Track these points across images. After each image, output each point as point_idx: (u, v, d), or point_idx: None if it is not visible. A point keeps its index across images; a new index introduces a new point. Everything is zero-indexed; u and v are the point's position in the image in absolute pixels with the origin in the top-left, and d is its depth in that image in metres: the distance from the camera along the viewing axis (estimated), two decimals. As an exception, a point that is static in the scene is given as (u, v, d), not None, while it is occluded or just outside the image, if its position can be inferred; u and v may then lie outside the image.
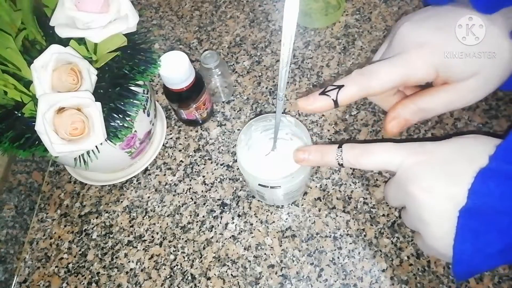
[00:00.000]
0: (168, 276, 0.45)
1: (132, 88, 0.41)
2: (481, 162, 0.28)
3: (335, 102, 0.34)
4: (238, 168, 0.50)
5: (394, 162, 0.32)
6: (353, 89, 0.34)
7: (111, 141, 0.39)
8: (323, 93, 0.35)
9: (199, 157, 0.52)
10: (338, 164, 0.35)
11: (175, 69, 0.45)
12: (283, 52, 0.28)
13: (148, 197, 0.50)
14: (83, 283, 0.46)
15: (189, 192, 0.50)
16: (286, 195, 0.43)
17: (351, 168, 0.34)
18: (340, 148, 0.35)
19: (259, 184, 0.40)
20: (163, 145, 0.53)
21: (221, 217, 0.47)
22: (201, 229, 0.47)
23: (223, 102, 0.56)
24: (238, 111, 0.54)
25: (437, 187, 0.29)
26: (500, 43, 0.32)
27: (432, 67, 0.33)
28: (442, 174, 0.29)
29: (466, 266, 0.29)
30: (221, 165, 0.51)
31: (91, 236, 0.48)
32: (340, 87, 0.34)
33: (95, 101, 0.36)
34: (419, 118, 0.36)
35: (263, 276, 0.43)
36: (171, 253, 0.46)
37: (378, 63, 0.35)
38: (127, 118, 0.40)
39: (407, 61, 0.34)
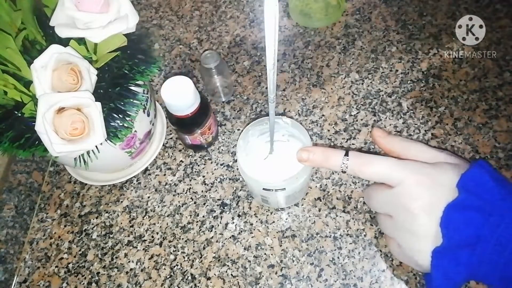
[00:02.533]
0: (168, 276, 0.45)
1: (132, 88, 0.41)
2: (451, 193, 0.33)
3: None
4: (238, 168, 0.50)
5: (396, 178, 0.34)
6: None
7: (111, 141, 0.39)
8: None
9: (199, 157, 0.52)
10: (342, 171, 0.37)
11: (179, 96, 0.42)
12: (269, 55, 0.27)
13: (148, 197, 0.50)
14: (83, 283, 0.46)
15: (189, 192, 0.50)
16: (289, 196, 0.42)
17: (343, 172, 0.36)
18: (347, 156, 0.36)
19: (263, 189, 0.40)
20: (163, 145, 0.53)
21: (221, 217, 0.47)
22: (201, 229, 0.47)
23: (223, 102, 0.56)
24: (238, 111, 0.54)
25: (435, 208, 0.32)
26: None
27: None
28: (441, 198, 0.33)
29: None
30: (221, 165, 0.51)
31: (91, 236, 0.48)
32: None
33: (95, 101, 0.36)
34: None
35: (263, 276, 0.43)
36: (171, 253, 0.46)
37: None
38: (127, 118, 0.40)
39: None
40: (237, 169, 0.50)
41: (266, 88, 0.56)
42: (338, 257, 0.43)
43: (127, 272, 0.45)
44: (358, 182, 0.47)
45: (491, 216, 0.31)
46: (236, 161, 0.51)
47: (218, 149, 0.52)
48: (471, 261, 0.31)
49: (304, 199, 0.47)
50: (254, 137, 0.43)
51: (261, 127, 0.42)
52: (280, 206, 0.46)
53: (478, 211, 0.31)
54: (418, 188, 0.33)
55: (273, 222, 0.46)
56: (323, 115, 0.52)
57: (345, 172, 0.36)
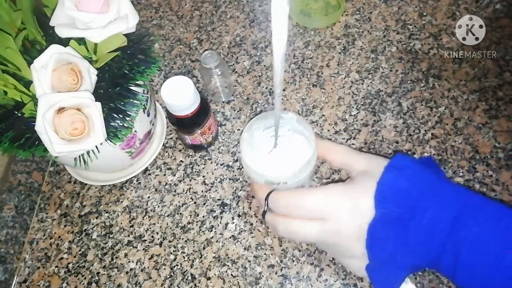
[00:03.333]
0: (168, 276, 0.45)
1: (132, 88, 0.41)
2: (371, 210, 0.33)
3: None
4: (238, 168, 0.50)
5: (322, 216, 0.35)
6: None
7: (111, 141, 0.39)
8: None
9: (199, 157, 0.52)
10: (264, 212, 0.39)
11: (179, 96, 0.42)
12: (277, 48, 0.27)
13: (148, 197, 0.50)
14: (83, 283, 0.46)
15: (189, 192, 0.50)
16: None
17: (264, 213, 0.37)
18: (267, 201, 0.38)
19: (265, 182, 0.40)
20: (163, 145, 0.53)
21: (221, 217, 0.47)
22: (201, 229, 0.47)
23: (223, 102, 0.56)
24: (238, 111, 0.54)
25: (361, 232, 0.34)
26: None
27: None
28: (364, 219, 0.34)
29: None
30: (221, 165, 0.51)
31: (91, 236, 0.48)
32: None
33: (95, 101, 0.36)
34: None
35: (263, 276, 0.43)
36: (171, 253, 0.46)
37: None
38: (127, 118, 0.40)
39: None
40: (237, 169, 0.50)
41: (266, 88, 0.56)
42: (338, 257, 0.43)
43: (127, 272, 0.45)
44: (358, 182, 0.47)
45: (410, 220, 0.32)
46: (236, 160, 0.51)
47: (218, 149, 0.52)
48: (403, 265, 0.33)
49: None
50: (259, 130, 0.43)
51: (266, 121, 0.42)
52: None
53: (398, 222, 0.32)
54: (343, 223, 0.34)
55: (273, 222, 0.46)
56: (323, 115, 0.52)
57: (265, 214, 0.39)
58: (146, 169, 0.52)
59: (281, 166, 0.39)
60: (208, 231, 0.47)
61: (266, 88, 0.56)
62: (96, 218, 0.50)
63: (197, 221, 0.47)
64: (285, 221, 0.37)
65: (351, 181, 0.36)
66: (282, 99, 0.54)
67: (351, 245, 0.34)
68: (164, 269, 0.45)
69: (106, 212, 0.50)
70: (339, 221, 0.34)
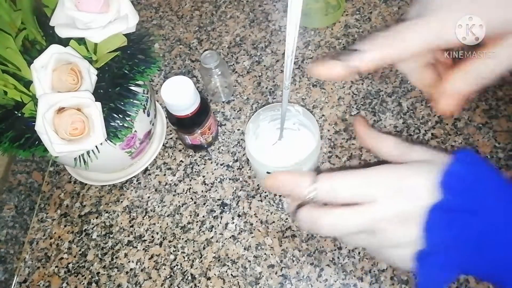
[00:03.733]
0: (168, 276, 0.45)
1: (132, 88, 0.41)
2: (428, 194, 0.30)
3: (354, 69, 0.32)
4: (238, 168, 0.50)
5: (365, 199, 0.31)
6: (375, 55, 0.31)
7: (111, 141, 0.39)
8: (340, 58, 0.32)
9: (199, 157, 0.52)
10: (311, 199, 0.33)
11: (179, 96, 0.42)
12: (288, 41, 0.27)
13: (148, 197, 0.50)
14: (83, 283, 0.46)
15: (189, 192, 0.50)
16: None
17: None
18: (315, 184, 0.32)
19: (267, 172, 0.40)
20: (163, 145, 0.53)
21: (221, 217, 0.47)
22: (201, 229, 0.47)
23: (223, 102, 0.56)
24: (238, 111, 0.54)
25: (411, 216, 0.30)
26: None
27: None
28: (416, 203, 0.30)
29: None
30: (221, 165, 0.51)
31: (91, 236, 0.48)
32: (361, 51, 0.31)
33: (95, 101, 0.36)
34: (475, 86, 0.32)
35: (263, 276, 0.43)
36: (171, 253, 0.46)
37: (404, 24, 0.31)
38: (127, 118, 0.40)
39: (435, 22, 0.31)
40: (237, 169, 0.50)
41: (266, 88, 0.56)
42: (338, 257, 0.43)
43: (127, 272, 0.45)
44: (358, 182, 0.47)
45: (475, 216, 0.29)
46: (236, 160, 0.51)
47: (218, 149, 0.52)
48: (456, 262, 0.30)
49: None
50: (265, 122, 0.43)
51: (272, 113, 0.43)
52: None
53: (462, 212, 0.29)
54: (390, 207, 0.30)
55: (273, 222, 0.46)
56: (323, 115, 0.52)
57: (314, 201, 0.33)
58: (146, 169, 0.52)
59: (284, 159, 0.40)
60: (208, 231, 0.47)
61: (266, 88, 0.56)
62: (96, 218, 0.50)
63: (197, 221, 0.47)
64: (333, 210, 0.32)
65: (406, 164, 0.32)
66: (282, 99, 0.54)
67: (397, 232, 0.30)
68: (164, 269, 0.45)
69: (106, 212, 0.50)
70: (386, 205, 0.30)
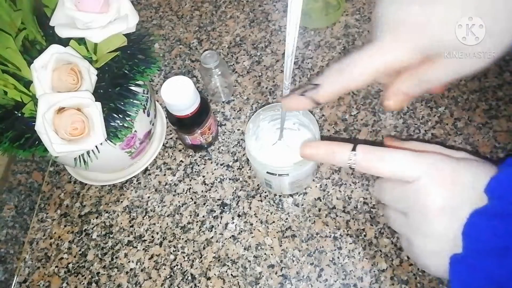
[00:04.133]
0: (168, 276, 0.45)
1: (132, 88, 0.41)
2: (476, 195, 0.29)
3: (315, 102, 0.34)
4: (238, 168, 0.50)
5: (412, 175, 0.31)
6: (330, 88, 0.32)
7: (111, 141, 0.39)
8: (303, 93, 0.34)
9: (199, 157, 0.52)
10: (349, 167, 0.33)
11: (179, 96, 0.42)
12: (288, 41, 0.28)
13: (148, 197, 0.50)
14: (83, 283, 0.46)
15: (189, 192, 0.50)
16: (293, 183, 0.43)
17: (351, 168, 0.33)
18: (354, 152, 0.32)
19: (267, 172, 0.40)
20: (163, 145, 0.53)
21: (221, 217, 0.47)
22: (201, 229, 0.47)
23: (223, 102, 0.56)
24: (238, 111, 0.54)
25: (456, 212, 0.29)
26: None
27: (414, 49, 0.31)
28: (464, 201, 0.30)
29: None
30: (221, 165, 0.51)
31: (91, 236, 0.48)
32: (317, 86, 0.33)
33: (95, 101, 0.36)
34: (422, 90, 0.34)
35: (263, 276, 0.43)
36: (171, 253, 0.46)
37: (355, 54, 0.33)
38: (127, 118, 0.40)
39: (383, 48, 0.32)
40: (237, 169, 0.50)
41: (266, 88, 0.56)
42: (338, 257, 0.43)
43: (127, 272, 0.45)
44: (358, 182, 0.47)
45: None
46: (236, 160, 0.51)
47: (218, 149, 0.52)
48: (497, 273, 0.28)
49: (304, 199, 0.47)
50: (265, 122, 0.44)
51: (272, 113, 0.43)
52: (283, 192, 0.46)
53: (508, 220, 0.28)
54: (438, 188, 0.29)
55: (273, 222, 0.46)
56: (323, 115, 0.52)
57: (353, 169, 0.33)
58: (146, 169, 0.52)
59: (284, 159, 0.40)
60: (208, 231, 0.47)
61: (266, 88, 0.56)
62: (96, 218, 0.50)
63: (197, 221, 0.47)
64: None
65: (461, 160, 0.31)
66: (282, 99, 0.54)
67: (437, 219, 0.29)
68: (164, 269, 0.45)
69: (106, 212, 0.50)
70: (435, 184, 0.30)
